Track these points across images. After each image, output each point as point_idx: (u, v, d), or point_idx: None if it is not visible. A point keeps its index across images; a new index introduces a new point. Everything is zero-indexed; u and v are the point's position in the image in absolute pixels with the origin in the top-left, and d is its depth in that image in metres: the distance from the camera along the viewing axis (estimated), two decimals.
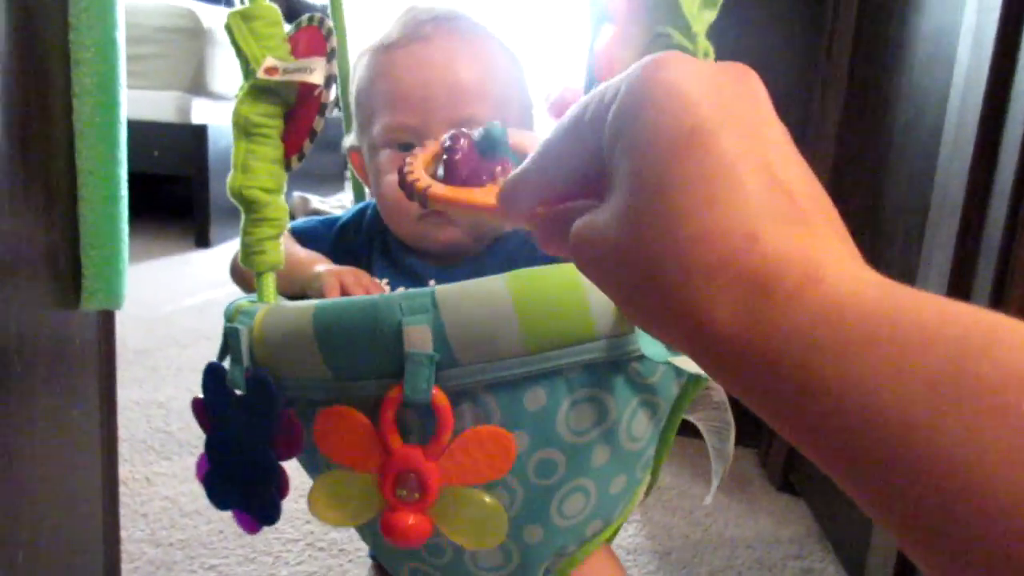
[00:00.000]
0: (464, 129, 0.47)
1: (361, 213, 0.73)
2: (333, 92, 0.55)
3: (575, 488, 0.55)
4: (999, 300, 0.60)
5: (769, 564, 1.12)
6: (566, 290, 0.48)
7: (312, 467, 0.60)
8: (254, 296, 0.57)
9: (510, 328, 0.47)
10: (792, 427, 0.22)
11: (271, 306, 0.52)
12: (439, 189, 0.43)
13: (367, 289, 0.63)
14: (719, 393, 0.61)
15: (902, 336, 0.20)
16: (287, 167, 0.55)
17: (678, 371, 0.55)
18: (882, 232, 1.03)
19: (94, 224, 0.58)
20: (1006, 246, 0.59)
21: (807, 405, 0.21)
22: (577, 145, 0.29)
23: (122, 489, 1.21)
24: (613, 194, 0.26)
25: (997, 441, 0.18)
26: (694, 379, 0.57)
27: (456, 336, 0.47)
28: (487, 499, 0.50)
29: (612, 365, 0.51)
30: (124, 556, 1.04)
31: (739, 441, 1.57)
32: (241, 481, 0.54)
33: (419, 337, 0.47)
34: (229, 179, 0.54)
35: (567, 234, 0.29)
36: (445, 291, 0.48)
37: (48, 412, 0.57)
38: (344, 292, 0.62)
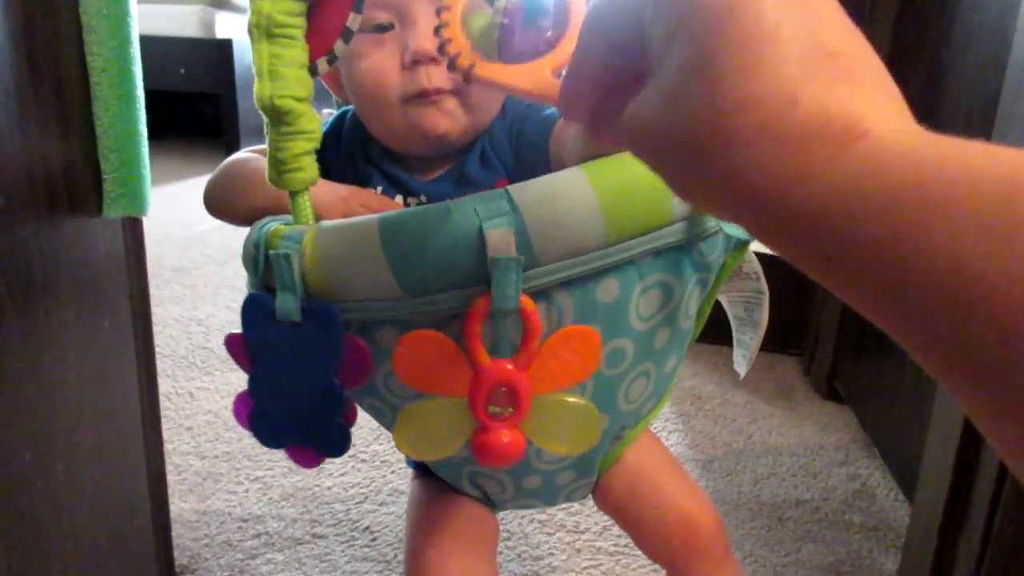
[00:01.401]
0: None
1: (339, 122, 0.66)
2: None
3: (640, 373, 0.55)
4: None
5: (814, 471, 1.11)
6: (645, 176, 0.46)
7: (363, 391, 0.56)
8: (286, 219, 0.53)
9: (594, 221, 0.46)
10: (844, 282, 0.22)
11: (321, 226, 0.48)
12: (485, 70, 0.42)
13: (378, 212, 0.58)
14: (752, 264, 0.60)
15: (948, 177, 0.20)
16: (313, 71, 0.50)
17: (727, 246, 0.54)
18: (942, 122, 0.97)
19: (111, 126, 0.55)
20: None
21: (857, 258, 0.21)
22: (618, 27, 0.29)
23: (166, 404, 1.23)
24: (659, 72, 0.26)
25: None
26: (736, 250, 0.56)
27: (539, 235, 0.45)
28: (579, 400, 0.49)
29: (680, 248, 0.50)
30: (171, 468, 1.06)
31: (783, 348, 1.55)
32: (298, 416, 0.50)
33: (503, 240, 0.44)
34: (256, 88, 0.48)
35: (618, 123, 0.29)
36: (521, 190, 0.45)
37: (76, 324, 0.55)
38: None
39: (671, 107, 0.25)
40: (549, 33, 0.43)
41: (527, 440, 0.48)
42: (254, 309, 0.49)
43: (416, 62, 0.57)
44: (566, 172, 0.46)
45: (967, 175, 0.20)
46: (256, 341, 0.50)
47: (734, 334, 0.66)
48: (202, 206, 0.59)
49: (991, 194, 0.19)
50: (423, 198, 0.62)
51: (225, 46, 2.67)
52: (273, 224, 0.51)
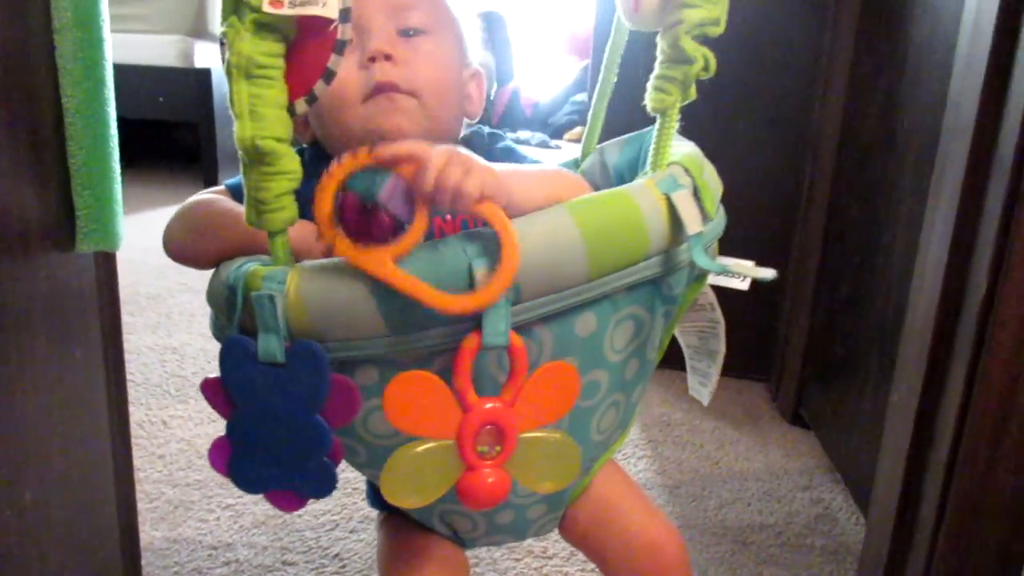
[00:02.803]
0: (349, 185, 0.48)
1: (299, 155, 0.69)
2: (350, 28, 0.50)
3: (612, 404, 0.57)
4: (1007, 226, 0.59)
5: (778, 496, 1.13)
6: (626, 214, 0.49)
7: (342, 431, 0.55)
8: (260, 259, 0.53)
9: (577, 258, 0.48)
10: None
11: (304, 266, 0.48)
12: (345, 247, 0.46)
13: None
14: (707, 295, 0.62)
15: None
16: (291, 112, 0.50)
17: (688, 278, 0.56)
18: (896, 156, 1.00)
19: (85, 165, 0.57)
20: (1018, 166, 0.57)
21: None
22: None
23: (139, 432, 1.24)
24: None
25: None
26: (695, 283, 0.58)
27: (524, 272, 0.46)
28: (559, 436, 0.50)
29: (652, 281, 0.52)
30: (143, 496, 1.06)
31: (752, 375, 1.58)
32: (281, 458, 0.49)
33: None
34: (237, 129, 0.48)
35: None
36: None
37: (47, 354, 0.57)
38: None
39: None
40: (397, 221, 0.47)
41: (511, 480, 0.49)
42: (234, 352, 0.48)
43: (372, 59, 0.59)
44: (551, 210, 0.48)
45: None
46: (236, 384, 0.49)
47: (688, 363, 0.68)
48: None
49: None
50: None
51: (204, 75, 2.70)
52: (250, 265, 0.50)
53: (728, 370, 1.51)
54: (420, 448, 0.47)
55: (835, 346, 1.22)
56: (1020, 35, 0.58)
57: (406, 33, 0.61)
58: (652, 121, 0.55)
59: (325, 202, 0.47)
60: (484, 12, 4.44)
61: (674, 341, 0.65)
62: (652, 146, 0.55)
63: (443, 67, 0.63)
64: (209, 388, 0.50)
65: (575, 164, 0.76)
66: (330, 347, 0.48)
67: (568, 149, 3.99)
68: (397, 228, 0.47)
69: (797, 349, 1.33)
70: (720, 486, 1.15)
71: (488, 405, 0.47)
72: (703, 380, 0.65)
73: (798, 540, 1.03)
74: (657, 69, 0.53)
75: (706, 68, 0.52)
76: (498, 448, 0.48)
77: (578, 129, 4.24)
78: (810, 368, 1.31)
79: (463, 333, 0.47)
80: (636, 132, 0.67)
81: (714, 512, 1.09)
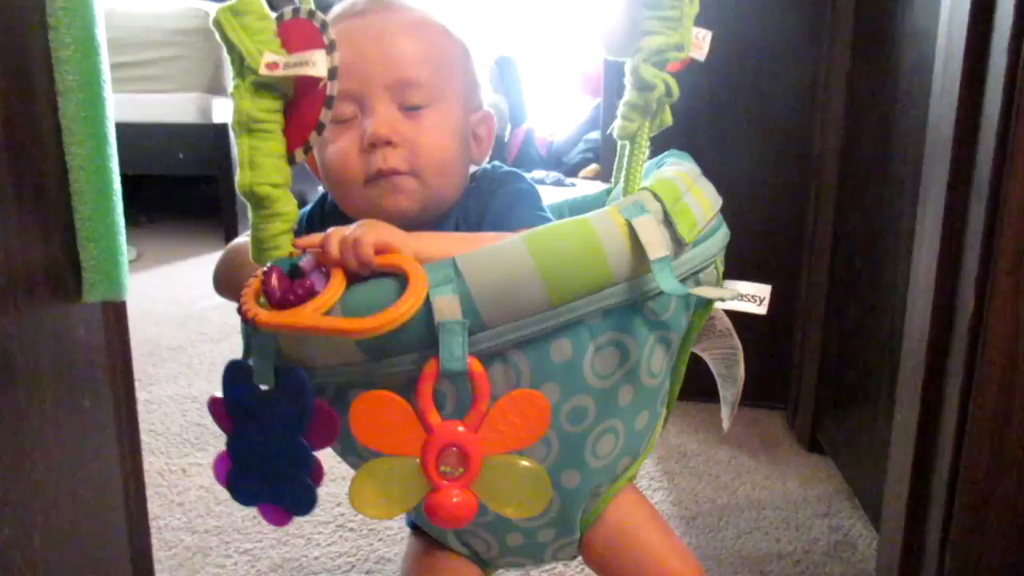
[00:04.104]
0: (272, 264, 0.51)
1: (322, 201, 0.72)
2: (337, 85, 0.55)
3: (606, 430, 0.58)
4: (990, 244, 0.59)
5: (796, 524, 1.12)
6: (582, 241, 0.50)
7: (346, 450, 0.61)
8: None
9: (533, 286, 0.49)
10: None
11: None
12: (264, 315, 0.48)
13: None
14: (723, 321, 0.62)
15: None
16: (291, 161, 0.55)
17: (687, 305, 0.57)
18: (893, 180, 1.01)
19: (89, 219, 0.59)
20: (995, 183, 0.57)
21: None
22: None
23: (159, 480, 1.25)
24: None
25: None
26: (701, 308, 0.58)
27: (483, 300, 0.49)
28: (528, 463, 0.52)
29: (629, 307, 0.53)
30: (161, 544, 1.08)
31: (768, 403, 1.57)
32: (270, 475, 0.54)
33: (448, 306, 0.48)
34: (238, 177, 0.54)
35: None
36: (465, 258, 0.50)
37: (55, 403, 0.59)
38: None
39: None
40: (305, 286, 0.50)
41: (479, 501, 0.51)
42: (234, 373, 0.54)
43: (373, 145, 0.62)
44: (508, 240, 0.51)
45: None
46: (234, 403, 0.54)
47: (720, 392, 0.69)
48: (200, 285, 0.64)
49: None
50: None
51: (222, 130, 2.77)
52: None
53: (744, 399, 1.50)
54: (386, 463, 0.50)
55: (848, 370, 1.21)
56: (990, 56, 0.59)
57: (410, 107, 0.64)
58: (682, 146, 0.56)
59: (252, 286, 0.51)
60: (496, 57, 4.52)
61: (689, 372, 0.65)
62: (624, 172, 0.56)
63: (446, 139, 0.65)
64: (213, 406, 0.55)
65: (607, 192, 0.78)
66: (318, 373, 0.51)
67: (583, 186, 4.02)
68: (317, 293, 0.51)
69: (811, 375, 1.33)
70: (737, 516, 1.14)
71: (451, 427, 0.49)
72: (727, 408, 0.66)
73: (817, 568, 1.02)
74: (624, 96, 0.55)
75: (668, 94, 0.53)
76: (461, 469, 0.49)
77: (593, 166, 4.27)
78: (825, 393, 1.30)
79: (429, 359, 0.49)
80: (656, 158, 0.68)
81: (732, 542, 1.08)
